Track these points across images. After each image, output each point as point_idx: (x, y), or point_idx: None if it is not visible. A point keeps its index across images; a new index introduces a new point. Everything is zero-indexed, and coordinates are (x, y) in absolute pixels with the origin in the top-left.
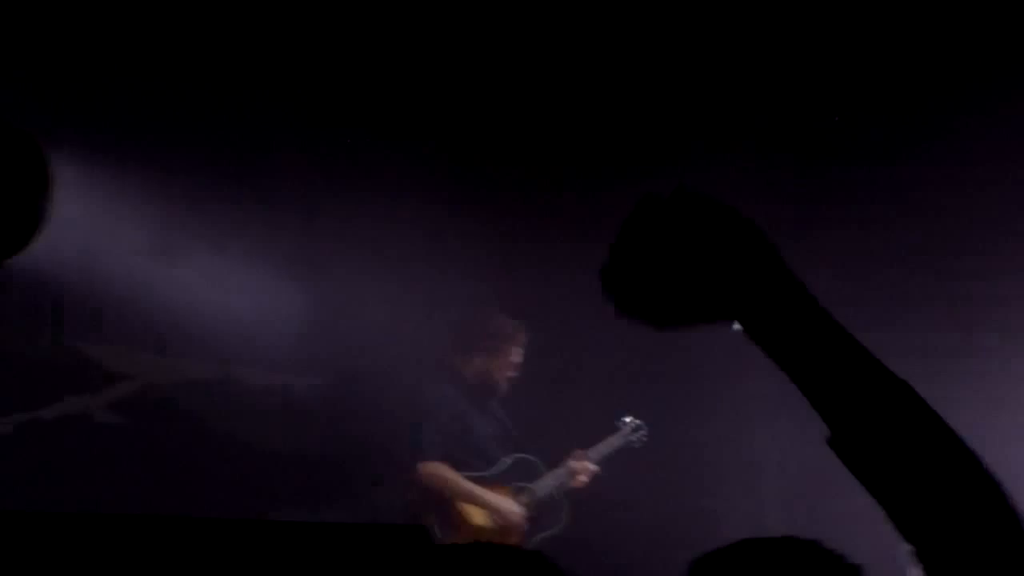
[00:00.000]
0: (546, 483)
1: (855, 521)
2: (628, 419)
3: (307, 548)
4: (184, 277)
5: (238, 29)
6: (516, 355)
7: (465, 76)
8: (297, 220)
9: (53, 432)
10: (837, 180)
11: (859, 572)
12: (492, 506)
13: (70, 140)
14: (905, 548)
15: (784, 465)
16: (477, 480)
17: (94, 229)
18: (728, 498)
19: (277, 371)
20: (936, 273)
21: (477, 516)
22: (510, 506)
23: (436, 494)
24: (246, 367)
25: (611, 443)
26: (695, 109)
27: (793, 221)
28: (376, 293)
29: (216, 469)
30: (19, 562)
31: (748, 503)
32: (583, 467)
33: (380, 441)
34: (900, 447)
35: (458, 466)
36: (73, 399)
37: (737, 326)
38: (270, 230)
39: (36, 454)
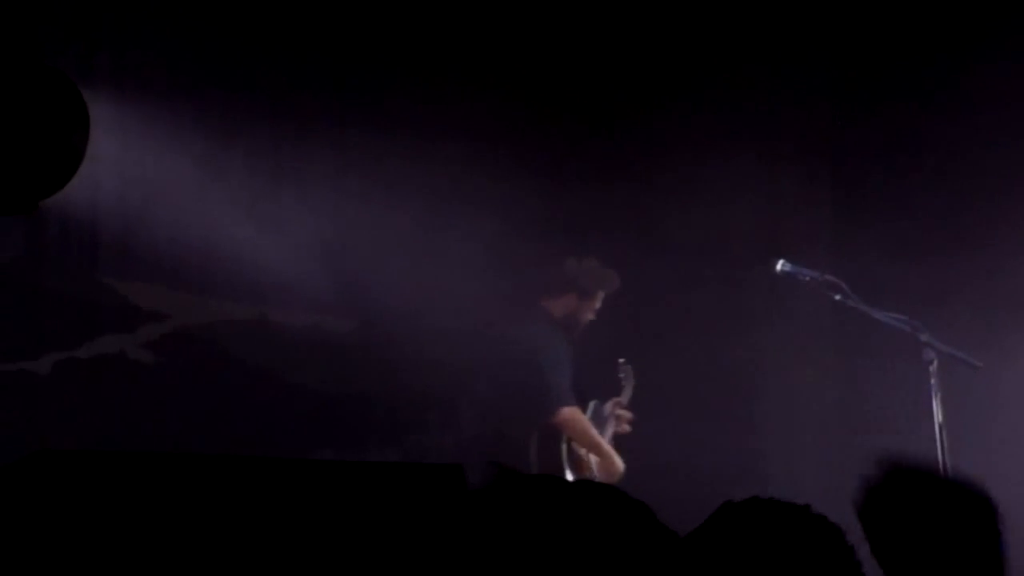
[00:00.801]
0: (607, 432)
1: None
2: (622, 361)
3: (342, 486)
4: (220, 215)
5: None
6: (601, 299)
7: (505, 13)
8: (333, 159)
9: (89, 371)
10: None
11: (841, 535)
12: (608, 460)
13: (105, 78)
14: None
15: (821, 406)
16: None
17: (130, 167)
18: (767, 439)
19: (312, 311)
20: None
21: (593, 465)
22: (619, 463)
23: (571, 439)
24: (281, 307)
25: (628, 391)
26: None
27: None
28: (412, 235)
29: (251, 409)
30: (55, 500)
31: (787, 444)
32: (627, 415)
33: (416, 383)
34: None
35: None
36: (109, 338)
37: (780, 266)
38: (307, 169)
39: (72, 393)
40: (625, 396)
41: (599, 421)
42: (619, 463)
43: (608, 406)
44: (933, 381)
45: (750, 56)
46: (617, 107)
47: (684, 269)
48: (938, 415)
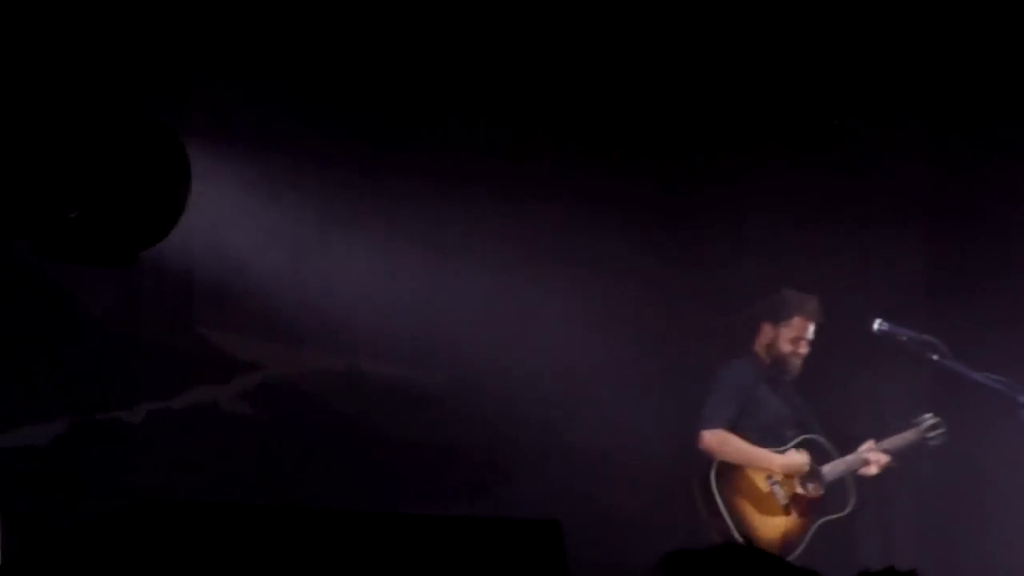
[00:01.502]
0: (836, 467)
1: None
2: (927, 416)
3: (436, 542)
4: (313, 267)
5: (360, 24)
6: (803, 328)
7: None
8: (426, 213)
9: (183, 421)
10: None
11: None
12: (780, 465)
13: (200, 129)
14: None
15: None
16: None
17: (224, 219)
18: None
19: (402, 363)
20: None
21: (762, 482)
22: (799, 459)
23: (721, 460)
24: (372, 358)
25: (905, 437)
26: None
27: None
28: (502, 289)
29: (343, 460)
30: (151, 551)
31: (883, 504)
32: (876, 457)
33: (506, 436)
34: None
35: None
36: (202, 388)
37: (878, 326)
38: (398, 223)
39: (166, 443)
40: (893, 441)
41: (810, 455)
42: (797, 462)
43: (863, 449)
44: None
45: (844, 113)
46: (711, 167)
47: None
48: None
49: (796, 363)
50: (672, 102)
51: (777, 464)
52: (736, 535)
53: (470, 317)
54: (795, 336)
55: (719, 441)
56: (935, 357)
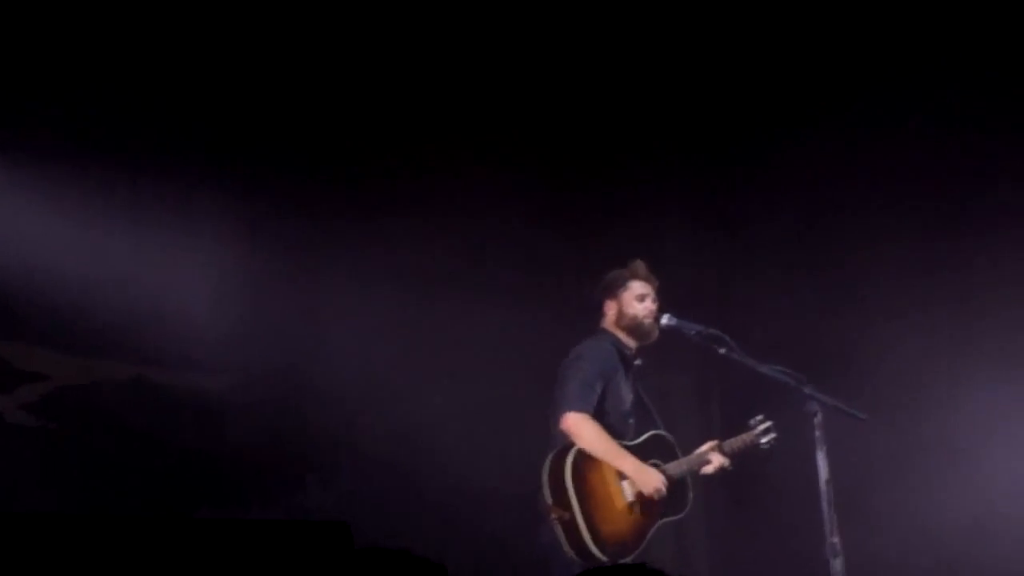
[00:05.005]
0: (679, 466)
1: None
2: (760, 418)
3: (226, 544)
4: (99, 276)
5: (137, 39)
6: (643, 287)
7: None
8: (209, 219)
9: None
10: None
11: None
12: (636, 475)
13: None
14: (829, 542)
15: None
16: None
17: (7, 228)
18: None
19: (191, 371)
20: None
21: (612, 476)
22: (656, 480)
23: (579, 447)
24: (160, 367)
25: (743, 439)
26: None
27: None
28: (291, 294)
29: (131, 469)
30: None
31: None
32: (717, 459)
33: (297, 442)
34: None
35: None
36: None
37: (666, 320)
38: (184, 229)
39: None
40: (733, 444)
41: (656, 451)
42: (653, 483)
43: (706, 449)
44: (818, 433)
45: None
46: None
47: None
48: (823, 469)
49: (650, 324)
50: None
51: (630, 468)
52: (581, 524)
53: (258, 323)
54: (639, 294)
55: (583, 426)
56: (723, 351)
